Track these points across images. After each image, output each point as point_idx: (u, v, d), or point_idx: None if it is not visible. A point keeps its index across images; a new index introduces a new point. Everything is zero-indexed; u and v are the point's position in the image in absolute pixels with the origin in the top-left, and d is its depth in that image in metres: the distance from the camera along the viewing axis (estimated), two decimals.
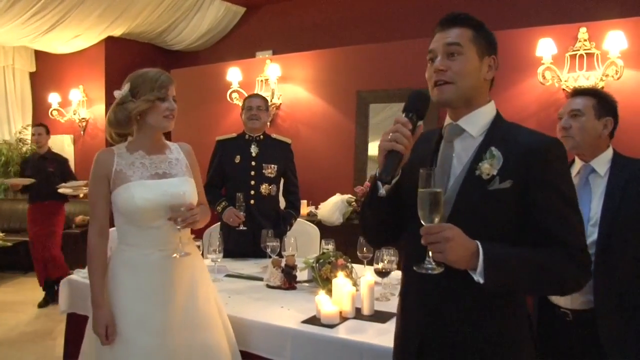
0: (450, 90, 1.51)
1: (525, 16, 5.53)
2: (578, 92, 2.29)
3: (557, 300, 2.16)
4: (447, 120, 1.60)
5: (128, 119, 2.18)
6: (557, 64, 4.83)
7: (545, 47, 4.79)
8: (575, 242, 1.41)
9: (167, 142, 2.34)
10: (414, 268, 1.42)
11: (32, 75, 8.57)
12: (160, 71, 2.22)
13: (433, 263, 1.38)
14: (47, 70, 8.41)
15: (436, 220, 1.36)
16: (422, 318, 1.56)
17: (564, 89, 4.83)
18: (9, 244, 6.82)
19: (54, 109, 8.07)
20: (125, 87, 2.18)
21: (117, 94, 2.20)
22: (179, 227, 2.14)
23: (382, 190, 1.55)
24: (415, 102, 1.51)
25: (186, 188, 2.23)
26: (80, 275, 3.01)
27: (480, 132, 1.53)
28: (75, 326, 2.93)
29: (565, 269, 1.40)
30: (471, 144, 1.53)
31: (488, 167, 1.45)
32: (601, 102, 2.20)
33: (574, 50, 4.80)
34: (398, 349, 1.68)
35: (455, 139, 1.56)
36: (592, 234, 2.08)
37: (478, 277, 1.34)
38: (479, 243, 1.36)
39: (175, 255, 2.16)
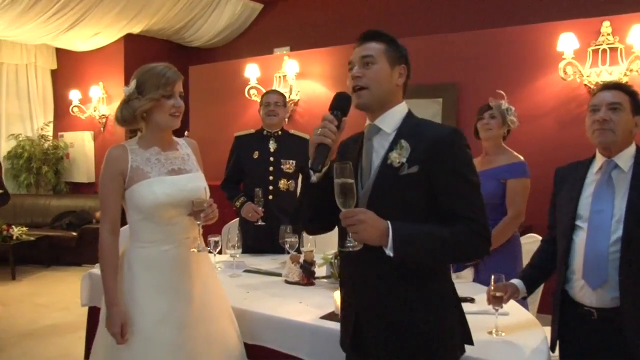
0: (366, 95, 1.74)
1: (546, 10, 5.46)
2: (612, 86, 2.18)
3: (581, 298, 2.12)
4: (367, 121, 1.81)
5: (133, 117, 2.13)
6: (578, 59, 4.75)
7: (566, 41, 4.72)
8: (476, 218, 1.63)
9: (175, 138, 2.31)
10: (339, 248, 1.69)
11: (53, 73, 8.69)
12: (168, 66, 2.16)
13: (353, 242, 1.60)
14: (67, 68, 8.51)
15: (351, 205, 1.59)
16: (356, 297, 1.79)
17: (585, 85, 4.76)
18: (32, 238, 6.91)
19: (75, 106, 8.18)
20: (132, 84, 2.13)
21: (125, 90, 2.15)
22: (199, 222, 2.13)
23: (314, 177, 1.75)
24: (339, 102, 1.74)
25: (204, 183, 2.22)
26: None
27: (393, 128, 1.75)
28: (96, 319, 2.94)
29: (467, 241, 1.63)
30: (386, 139, 1.75)
31: (397, 156, 1.67)
32: (634, 99, 2.13)
33: (596, 45, 4.72)
34: (341, 327, 1.91)
35: (374, 137, 1.78)
36: (616, 231, 2.03)
37: (389, 252, 1.57)
38: (389, 222, 1.58)
39: (193, 250, 2.16)
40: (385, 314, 1.71)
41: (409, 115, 1.79)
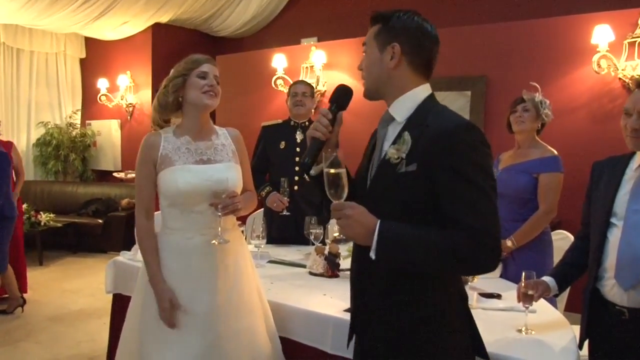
0: (364, 84, 1.65)
1: (580, 1, 5.32)
2: None
3: (613, 297, 2.05)
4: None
5: (166, 101, 2.20)
6: (613, 52, 4.62)
7: (601, 34, 4.59)
8: (480, 226, 1.41)
9: (215, 127, 2.34)
10: (334, 236, 1.56)
11: (82, 62, 8.78)
12: (200, 54, 2.24)
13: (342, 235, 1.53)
14: (96, 57, 8.59)
15: (341, 197, 1.50)
16: (355, 297, 1.73)
17: (620, 79, 4.64)
18: (59, 224, 7.01)
19: (103, 94, 8.26)
20: (170, 72, 2.23)
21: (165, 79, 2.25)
22: (219, 213, 2.12)
23: (312, 171, 1.69)
24: (337, 96, 1.67)
25: (230, 174, 2.21)
26: (125, 257, 3.05)
27: (404, 117, 1.59)
28: (120, 306, 2.98)
29: (466, 252, 1.41)
30: (397, 129, 1.59)
31: (394, 152, 1.52)
32: None
33: (633, 37, 4.57)
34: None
35: (389, 125, 1.64)
36: None
37: (371, 253, 1.45)
38: (378, 222, 1.44)
39: (214, 241, 2.15)
40: (379, 318, 1.61)
41: (426, 102, 1.59)
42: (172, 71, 2.23)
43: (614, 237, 2.06)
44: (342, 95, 1.66)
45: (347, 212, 1.45)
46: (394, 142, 1.55)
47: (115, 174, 7.93)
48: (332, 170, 1.50)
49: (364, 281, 1.66)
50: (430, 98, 1.61)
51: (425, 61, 1.60)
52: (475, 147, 1.45)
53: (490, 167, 1.49)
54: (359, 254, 1.65)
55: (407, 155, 1.49)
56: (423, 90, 1.60)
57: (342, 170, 1.50)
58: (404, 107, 1.59)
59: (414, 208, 1.49)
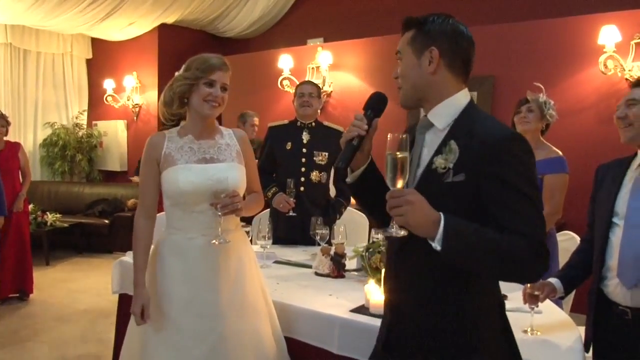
0: (401, 94, 1.60)
1: (587, 2, 5.31)
2: (635, 83, 2.15)
3: (616, 297, 2.06)
4: (422, 112, 1.64)
5: (172, 100, 2.20)
6: (620, 53, 4.62)
7: (608, 34, 4.60)
8: (531, 233, 1.39)
9: (221, 128, 2.33)
10: (379, 232, 1.55)
11: (88, 62, 8.81)
12: (217, 56, 2.20)
13: (396, 226, 1.42)
14: (102, 57, 8.62)
15: (401, 184, 1.42)
16: (391, 294, 1.66)
17: (627, 79, 4.62)
18: (65, 224, 7.03)
19: (109, 95, 8.28)
20: (182, 68, 2.21)
21: (176, 74, 2.24)
22: (219, 213, 2.11)
23: (349, 178, 1.67)
24: (373, 102, 1.62)
25: (231, 174, 2.20)
26: (131, 258, 3.05)
27: (445, 124, 1.54)
28: (126, 306, 2.97)
29: (523, 256, 1.38)
30: (439, 136, 1.54)
31: (442, 161, 1.47)
32: None
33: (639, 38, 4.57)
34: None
35: (427, 132, 1.59)
36: None
37: (436, 245, 1.36)
38: (442, 213, 1.37)
39: (214, 241, 2.13)
40: (415, 319, 1.57)
41: (469, 108, 1.54)
42: (183, 68, 2.20)
43: (616, 236, 2.08)
44: (378, 102, 1.62)
45: (409, 198, 1.36)
46: (440, 151, 1.50)
47: (131, 178, 7.83)
48: (394, 154, 1.41)
49: (400, 280, 1.62)
50: (472, 104, 1.57)
51: (463, 63, 1.57)
52: (521, 158, 1.43)
53: (536, 179, 1.46)
54: (395, 251, 1.61)
55: (454, 165, 1.45)
56: (463, 96, 1.57)
57: (406, 155, 1.42)
58: (444, 113, 1.55)
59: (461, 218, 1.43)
